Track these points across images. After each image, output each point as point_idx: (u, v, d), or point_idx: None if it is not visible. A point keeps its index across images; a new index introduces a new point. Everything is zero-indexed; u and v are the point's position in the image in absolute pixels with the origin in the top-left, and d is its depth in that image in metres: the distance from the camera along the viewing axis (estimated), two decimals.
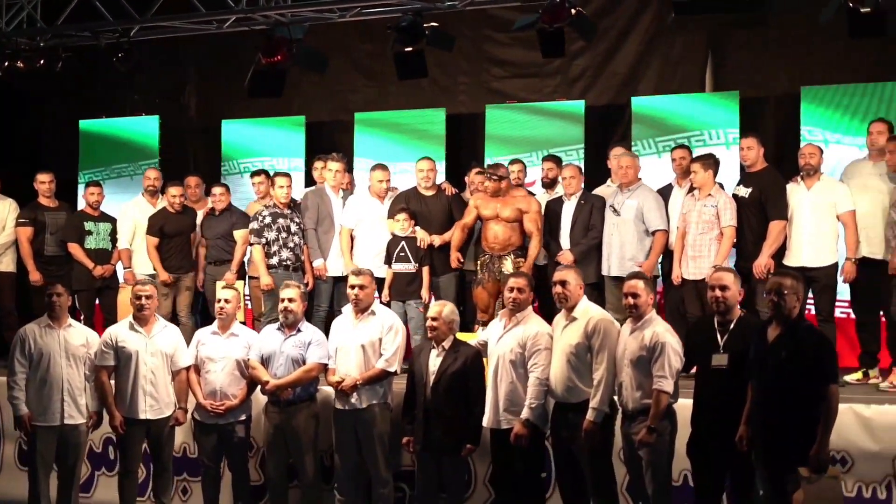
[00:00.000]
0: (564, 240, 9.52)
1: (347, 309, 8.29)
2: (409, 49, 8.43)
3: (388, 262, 9.66)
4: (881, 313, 8.73)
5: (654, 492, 7.03)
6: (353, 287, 8.17)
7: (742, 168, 9.20)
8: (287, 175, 9.87)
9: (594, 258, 9.42)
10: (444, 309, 7.83)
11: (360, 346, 8.03)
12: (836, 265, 8.71)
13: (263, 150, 12.26)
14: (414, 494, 8.18)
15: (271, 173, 10.62)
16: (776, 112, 10.78)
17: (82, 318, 10.64)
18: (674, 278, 8.98)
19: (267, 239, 9.66)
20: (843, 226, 8.71)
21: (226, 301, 8.42)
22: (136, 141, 12.46)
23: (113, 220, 10.75)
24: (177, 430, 8.48)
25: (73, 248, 10.57)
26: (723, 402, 6.77)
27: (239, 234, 10.29)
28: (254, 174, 10.79)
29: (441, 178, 10.44)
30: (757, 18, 7.74)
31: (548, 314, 7.99)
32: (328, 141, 12.21)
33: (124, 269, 10.67)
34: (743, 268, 8.69)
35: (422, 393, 7.75)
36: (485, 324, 9.03)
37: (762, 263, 8.66)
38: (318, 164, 10.36)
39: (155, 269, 10.27)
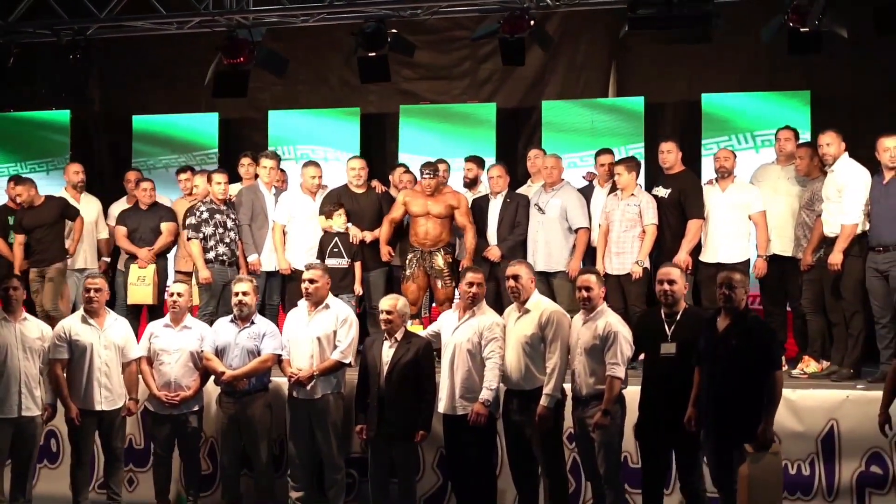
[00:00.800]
0: (491, 236, 10.01)
1: (302, 303, 8.60)
2: (373, 54, 8.78)
3: (320, 257, 9.96)
4: (787, 306, 9.46)
5: (607, 470, 7.58)
6: (306, 281, 8.50)
7: (661, 170, 9.78)
8: (224, 172, 10.09)
9: (519, 253, 9.90)
10: (398, 302, 8.25)
11: (315, 338, 8.38)
12: (748, 261, 9.40)
13: (175, 146, 12.41)
14: (366, 479, 8.50)
15: (197, 170, 10.82)
16: (676, 117, 11.43)
17: None
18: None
19: (204, 234, 9.85)
20: (754, 225, 9.40)
21: (178, 294, 8.67)
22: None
23: None
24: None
25: None
26: (671, 388, 7.34)
27: (165, 227, 10.48)
28: (179, 171, 10.99)
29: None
30: (701, 35, 8.34)
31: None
32: (243, 137, 12.45)
33: None
34: (662, 263, 9.27)
35: (375, 383, 8.12)
36: (413, 317, 9.44)
37: (682, 259, 9.29)
38: (244, 161, 10.57)
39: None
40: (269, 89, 12.64)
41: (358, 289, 9.97)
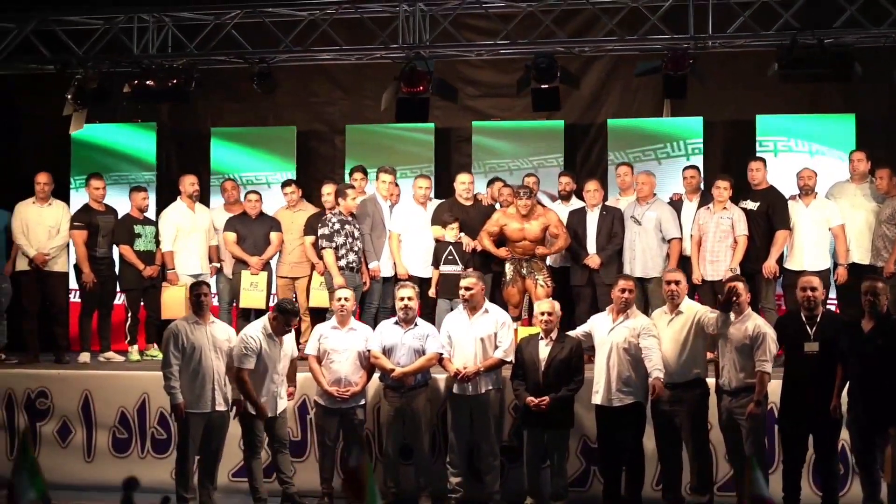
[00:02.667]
0: (590, 246, 11.06)
1: (459, 307, 9.55)
2: (546, 86, 9.70)
3: (435, 264, 10.91)
4: None
5: (754, 453, 8.71)
6: (462, 288, 9.46)
7: (749, 185, 10.94)
8: (353, 187, 10.92)
9: (616, 261, 11.01)
10: (555, 306, 9.29)
11: (478, 338, 9.33)
12: (829, 269, 10.65)
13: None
14: (514, 465, 9.50)
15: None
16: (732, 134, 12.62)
17: (129, 315, 11.40)
18: (695, 279, 10.63)
19: (336, 243, 10.67)
20: (834, 237, 10.66)
21: (345, 299, 9.53)
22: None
23: (155, 224, 11.45)
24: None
25: (125, 250, 11.28)
26: (813, 382, 8.50)
27: (275, 236, 11.31)
28: (284, 185, 11.84)
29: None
30: (845, 75, 9.44)
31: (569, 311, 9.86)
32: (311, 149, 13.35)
33: (168, 270, 11.37)
34: (750, 270, 10.52)
35: (533, 377, 9.11)
36: (515, 319, 10.44)
37: (770, 266, 10.51)
38: (357, 176, 11.43)
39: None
40: (337, 103, 13.45)
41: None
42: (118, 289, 11.63)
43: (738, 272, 10.40)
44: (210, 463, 9.19)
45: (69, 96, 10.20)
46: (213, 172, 13.06)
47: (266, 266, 11.39)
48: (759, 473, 4.85)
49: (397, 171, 11.79)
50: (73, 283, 11.67)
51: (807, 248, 10.65)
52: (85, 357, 11.22)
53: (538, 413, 9.03)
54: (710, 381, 9.01)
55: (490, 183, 11.77)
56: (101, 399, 10.26)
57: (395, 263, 11.16)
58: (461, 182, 11.23)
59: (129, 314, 11.51)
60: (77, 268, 11.35)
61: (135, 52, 9.93)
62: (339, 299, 9.57)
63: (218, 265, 11.75)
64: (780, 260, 10.75)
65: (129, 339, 11.54)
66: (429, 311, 10.81)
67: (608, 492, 9.15)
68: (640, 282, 10.66)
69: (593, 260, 10.94)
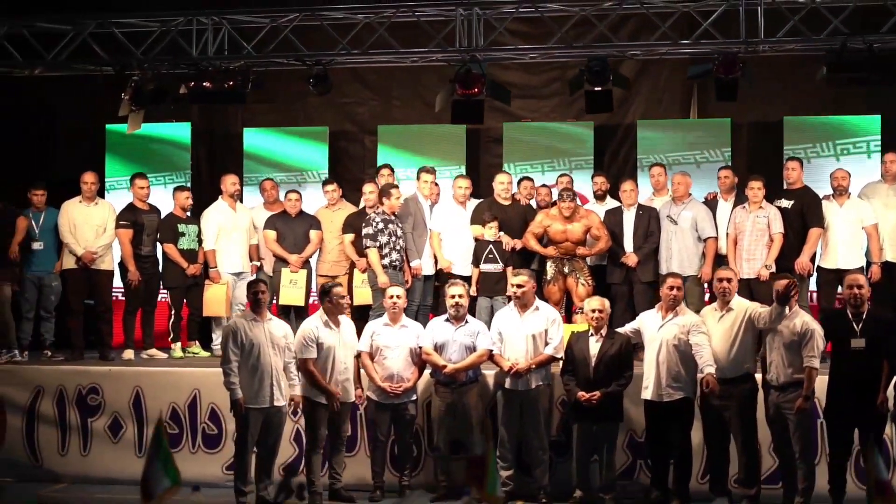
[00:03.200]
0: (627, 244, 11.28)
1: (510, 305, 9.76)
2: (599, 89, 9.92)
3: (475, 262, 11.11)
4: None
5: (803, 448, 8.96)
6: (514, 286, 9.67)
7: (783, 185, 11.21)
8: (397, 186, 11.11)
9: (652, 259, 11.24)
10: (605, 303, 9.52)
11: (529, 335, 9.53)
12: (862, 268, 10.90)
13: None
14: (562, 459, 9.74)
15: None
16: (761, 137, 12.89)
17: (172, 312, 11.56)
18: None
19: (380, 242, 10.86)
20: (867, 236, 10.91)
21: (397, 297, 9.75)
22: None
23: (198, 223, 11.62)
24: None
25: (169, 249, 11.45)
26: (860, 376, 8.75)
27: (314, 234, 11.49)
28: (325, 183, 12.04)
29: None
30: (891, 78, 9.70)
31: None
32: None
33: (210, 268, 11.54)
34: (784, 267, 10.76)
35: (583, 373, 9.34)
36: None
37: (804, 262, 10.77)
38: (385, 171, 11.61)
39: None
40: (366, 103, 13.65)
41: (511, 290, 11.10)
42: (161, 287, 11.72)
43: (774, 269, 10.63)
44: (267, 457, 9.36)
45: (126, 97, 10.33)
46: (247, 172, 13.17)
47: (306, 264, 11.54)
48: (880, 458, 5.09)
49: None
50: (116, 281, 11.74)
51: (840, 246, 10.90)
52: (129, 354, 11.39)
53: (588, 408, 9.23)
54: (758, 376, 9.21)
55: (519, 182, 11.93)
56: (151, 395, 10.42)
57: (436, 261, 11.31)
58: (500, 182, 11.45)
59: (173, 312, 11.63)
60: (122, 266, 11.49)
61: (193, 55, 10.04)
62: (392, 297, 9.77)
63: (258, 263, 11.91)
64: (814, 258, 10.94)
65: (172, 336, 11.67)
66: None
67: (656, 484, 9.36)
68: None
69: (631, 258, 11.16)
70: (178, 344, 11.62)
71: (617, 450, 9.71)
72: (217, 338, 11.53)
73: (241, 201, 12.08)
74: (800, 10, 9.71)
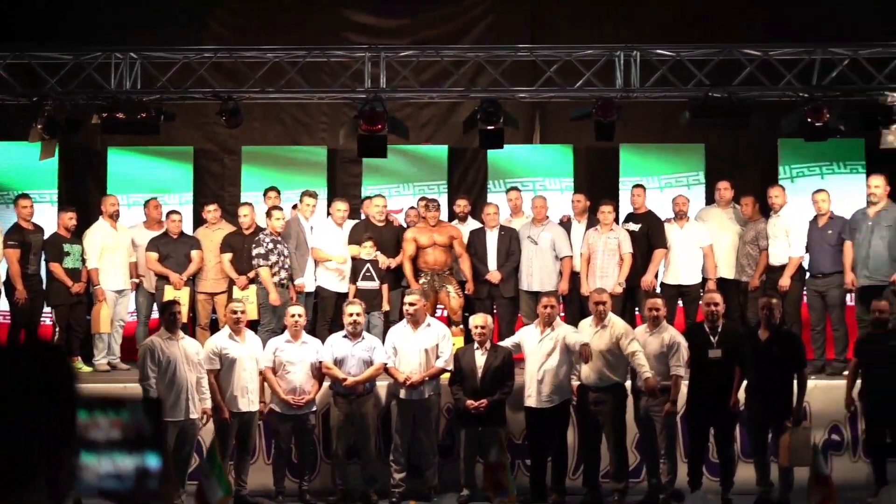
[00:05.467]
0: (491, 263, 12.29)
1: (403, 322, 10.63)
2: (491, 127, 10.79)
3: (353, 280, 11.95)
4: None
5: (668, 444, 10.20)
6: (407, 304, 10.56)
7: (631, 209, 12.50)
8: (281, 209, 11.82)
9: (514, 277, 12.31)
10: (487, 319, 10.54)
11: (422, 349, 10.42)
12: (700, 283, 12.27)
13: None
14: (448, 461, 10.68)
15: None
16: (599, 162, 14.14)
17: (57, 329, 11.91)
18: (584, 292, 11.97)
19: (271, 262, 11.56)
20: (703, 255, 12.29)
21: (299, 315, 10.47)
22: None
23: (81, 242, 11.99)
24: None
25: (55, 268, 11.76)
26: (716, 383, 10.05)
27: (196, 254, 12.09)
28: (205, 203, 12.58)
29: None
30: (743, 123, 11.00)
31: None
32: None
33: (94, 286, 11.94)
34: (633, 284, 12.04)
35: (471, 383, 10.31)
36: None
37: (648, 280, 12.06)
38: (272, 195, 12.31)
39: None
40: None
41: (386, 306, 11.99)
42: (45, 305, 12.02)
43: (624, 286, 11.87)
44: (181, 467, 9.93)
45: (39, 126, 10.61)
46: (112, 192, 13.46)
47: (187, 282, 12.06)
48: (821, 457, 6.23)
49: (285, 191, 12.78)
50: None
51: (681, 264, 12.21)
52: None
53: (475, 414, 10.20)
54: (627, 383, 10.39)
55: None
56: None
57: (315, 275, 12.06)
58: (375, 205, 12.28)
59: (57, 329, 11.95)
60: (8, 285, 11.71)
61: (111, 88, 10.46)
62: (293, 315, 10.48)
63: (137, 281, 12.34)
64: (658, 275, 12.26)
65: None
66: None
67: (535, 482, 10.41)
68: (534, 295, 11.91)
69: (494, 276, 12.17)
70: None
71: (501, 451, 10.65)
72: (99, 353, 12.01)
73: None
74: (668, 62, 10.93)
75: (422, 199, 12.98)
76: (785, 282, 11.67)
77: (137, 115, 10.28)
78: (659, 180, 13.75)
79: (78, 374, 2.45)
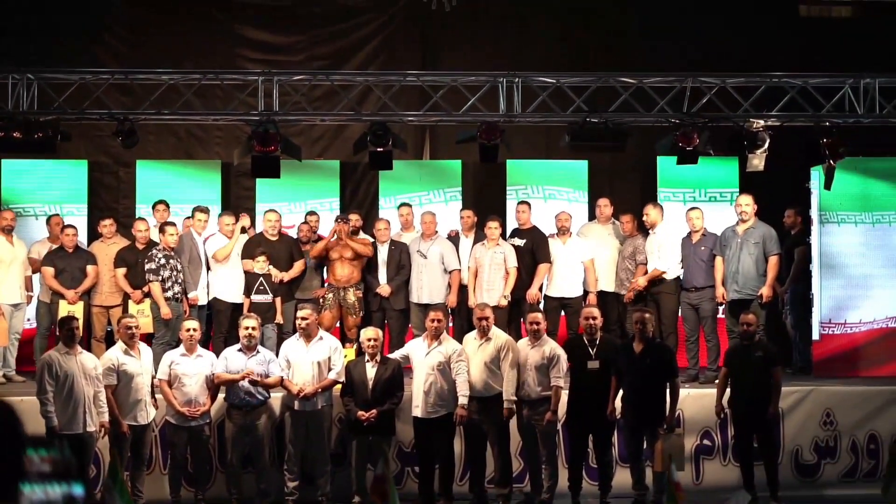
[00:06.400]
0: (381, 276, 12.74)
1: (296, 336, 11.00)
2: (381, 149, 11.19)
3: (247, 293, 12.31)
4: None
5: (549, 453, 10.75)
6: (299, 318, 10.94)
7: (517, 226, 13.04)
8: (174, 224, 12.13)
9: (404, 290, 12.78)
10: (379, 332, 10.98)
11: (315, 362, 10.79)
12: (582, 296, 12.86)
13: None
14: (340, 469, 11.09)
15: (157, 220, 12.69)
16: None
17: None
18: (471, 305, 12.43)
19: (162, 276, 11.85)
20: (584, 269, 12.88)
21: (194, 329, 10.78)
22: None
23: None
24: None
25: None
26: (594, 392, 10.63)
27: (91, 269, 12.35)
28: (101, 219, 12.82)
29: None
30: (619, 147, 11.60)
31: None
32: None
33: None
34: (518, 296, 12.58)
35: (362, 394, 10.75)
36: None
37: (533, 293, 12.61)
38: (160, 207, 12.63)
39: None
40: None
41: (280, 319, 12.37)
42: None
43: (510, 298, 12.39)
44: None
45: None
46: (5, 203, 13.65)
47: (82, 296, 12.30)
48: (674, 466, 6.78)
49: (179, 205, 13.12)
50: None
51: (564, 278, 12.79)
52: None
53: (365, 424, 10.63)
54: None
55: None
56: None
57: (208, 293, 12.39)
58: (268, 219, 12.64)
59: None
60: None
61: (7, 108, 10.68)
62: (189, 329, 10.79)
63: (33, 294, 12.54)
64: (542, 288, 12.81)
65: None
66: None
67: (423, 488, 10.87)
68: (424, 308, 12.37)
69: (384, 289, 12.61)
70: None
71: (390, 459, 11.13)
72: None
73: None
74: (549, 88, 11.50)
75: (310, 213, 13.34)
76: (640, 283, 12.41)
77: (34, 135, 10.50)
78: (543, 190, 14.29)
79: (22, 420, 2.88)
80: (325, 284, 12.61)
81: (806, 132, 12.07)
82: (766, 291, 12.04)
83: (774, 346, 11.20)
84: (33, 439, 2.87)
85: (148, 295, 11.92)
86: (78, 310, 12.08)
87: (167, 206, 12.80)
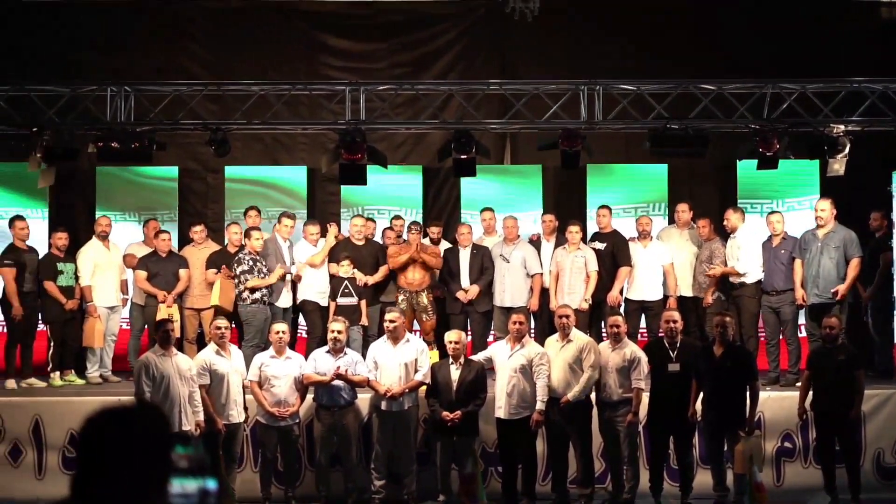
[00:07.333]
0: (464, 280, 12.99)
1: (384, 338, 11.27)
2: (464, 156, 11.47)
3: (332, 297, 12.61)
4: None
5: (630, 453, 10.92)
6: (387, 321, 11.20)
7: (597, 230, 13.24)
8: (259, 229, 12.50)
9: (487, 292, 13.02)
10: (461, 335, 11.22)
11: (402, 364, 11.05)
12: (662, 299, 13.01)
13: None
14: (425, 468, 11.34)
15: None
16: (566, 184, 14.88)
17: (52, 344, 12.53)
18: (552, 308, 12.63)
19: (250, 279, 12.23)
20: (664, 273, 13.03)
21: (283, 332, 11.11)
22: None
23: (74, 261, 12.61)
24: None
25: (49, 286, 12.38)
26: (675, 394, 10.77)
27: (184, 273, 12.74)
28: (193, 224, 13.21)
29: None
30: (701, 153, 11.78)
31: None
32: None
33: (87, 302, 12.57)
34: (599, 299, 12.77)
35: (446, 396, 10.99)
36: None
37: (614, 296, 12.79)
38: (252, 213, 12.99)
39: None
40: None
41: (365, 321, 12.66)
42: (40, 320, 12.63)
43: (591, 302, 12.58)
44: None
45: (39, 155, 11.24)
46: (99, 210, 14.11)
47: (175, 299, 12.70)
48: (756, 468, 6.95)
49: (267, 210, 13.48)
50: None
51: (644, 281, 12.95)
52: (11, 384, 12.19)
53: (450, 425, 10.87)
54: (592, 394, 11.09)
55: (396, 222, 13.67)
56: (50, 422, 11.35)
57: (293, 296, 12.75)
58: (354, 224, 12.96)
59: (52, 344, 12.55)
60: (5, 302, 12.30)
61: (105, 119, 11.11)
62: (278, 332, 11.12)
63: (128, 297, 12.97)
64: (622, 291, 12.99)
65: (51, 366, 12.56)
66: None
67: (506, 488, 11.09)
68: (506, 311, 12.61)
69: (472, 290, 12.85)
70: (58, 373, 12.52)
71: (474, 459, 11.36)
72: (91, 366, 12.68)
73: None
74: (629, 96, 11.69)
75: (396, 217, 13.66)
76: (716, 271, 12.62)
77: (131, 145, 10.89)
78: (624, 201, 14.45)
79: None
80: (398, 288, 12.80)
81: (887, 136, 12.11)
82: (842, 289, 12.12)
83: (856, 350, 11.21)
84: (175, 436, 3.14)
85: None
86: (175, 312, 12.46)
87: (259, 211, 13.15)
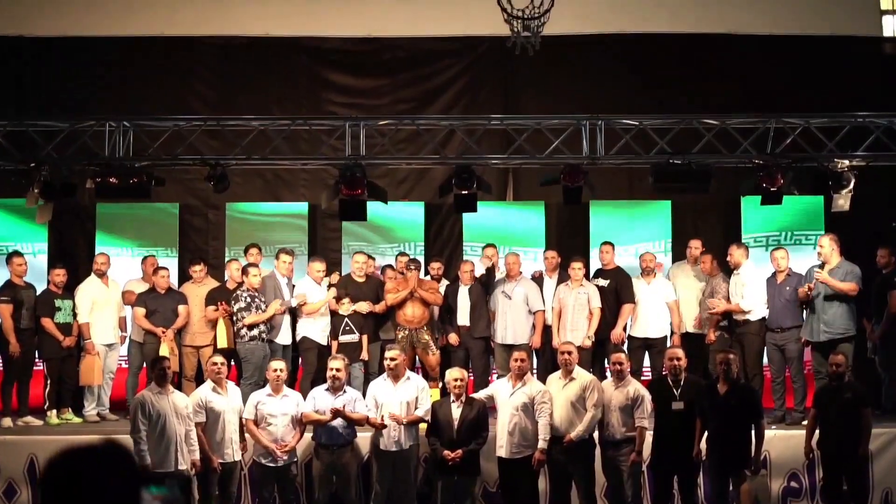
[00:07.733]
0: (463, 317, 12.86)
1: (384, 376, 11.12)
2: (465, 192, 11.38)
3: (334, 335, 12.48)
4: None
5: (634, 493, 10.74)
6: (388, 359, 11.04)
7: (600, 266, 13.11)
8: (256, 265, 12.39)
9: (487, 331, 12.87)
10: (464, 373, 11.06)
11: (403, 402, 10.90)
12: (666, 336, 12.86)
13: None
14: None
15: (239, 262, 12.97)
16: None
17: (49, 382, 12.40)
18: (555, 345, 12.51)
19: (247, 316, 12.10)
20: (669, 310, 12.89)
21: (281, 370, 10.96)
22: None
23: (73, 298, 12.50)
24: None
25: (46, 322, 12.27)
26: (679, 433, 10.60)
27: (183, 309, 12.62)
28: (191, 262, 13.10)
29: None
30: (704, 188, 11.67)
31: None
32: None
33: (84, 339, 12.44)
34: (602, 336, 12.62)
35: (447, 434, 10.82)
36: None
37: (617, 333, 12.65)
38: (253, 251, 12.90)
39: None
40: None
41: (365, 356, 12.52)
42: (37, 357, 12.51)
43: (594, 339, 12.44)
44: None
45: (37, 190, 11.17)
46: (100, 246, 14.03)
47: (175, 335, 12.58)
48: None
49: (268, 247, 13.36)
50: None
51: (648, 319, 12.80)
52: (7, 422, 12.03)
53: (451, 464, 10.71)
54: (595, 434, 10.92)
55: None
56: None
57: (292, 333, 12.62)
58: (356, 261, 12.84)
59: (48, 381, 12.41)
60: (1, 339, 12.18)
61: (104, 154, 11.03)
62: (275, 370, 10.97)
63: (126, 334, 12.85)
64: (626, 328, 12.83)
65: (47, 404, 12.42)
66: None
67: None
68: (507, 348, 12.47)
69: (453, 338, 12.84)
70: (54, 411, 12.38)
71: (475, 499, 11.20)
72: (89, 405, 12.52)
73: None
74: (632, 130, 11.59)
75: (401, 254, 13.56)
76: (718, 306, 12.43)
77: (129, 180, 10.81)
78: (628, 239, 14.34)
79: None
80: (396, 325, 12.67)
81: (893, 171, 11.99)
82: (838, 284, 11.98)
83: (863, 387, 11.04)
84: (147, 477, 3.03)
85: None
86: (174, 347, 12.34)
87: (259, 249, 13.06)
